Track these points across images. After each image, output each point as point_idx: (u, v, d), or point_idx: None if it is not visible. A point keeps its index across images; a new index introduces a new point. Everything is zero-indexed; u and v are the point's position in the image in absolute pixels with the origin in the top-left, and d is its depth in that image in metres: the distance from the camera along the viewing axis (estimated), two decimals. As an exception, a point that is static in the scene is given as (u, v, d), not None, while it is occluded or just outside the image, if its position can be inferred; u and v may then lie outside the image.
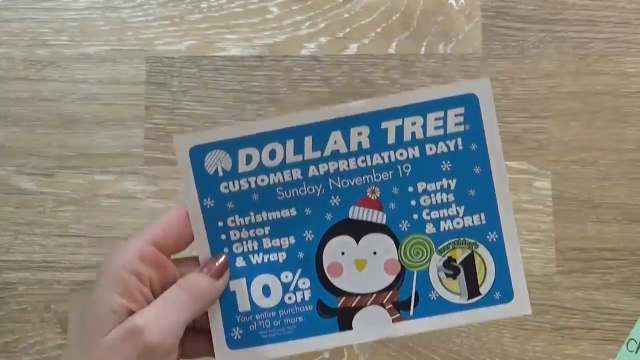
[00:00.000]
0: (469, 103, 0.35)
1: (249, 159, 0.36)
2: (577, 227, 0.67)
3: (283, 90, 0.68)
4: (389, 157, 0.36)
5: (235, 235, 0.36)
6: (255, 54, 0.69)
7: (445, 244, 0.37)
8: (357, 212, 0.36)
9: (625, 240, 0.67)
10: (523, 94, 0.68)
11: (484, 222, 0.36)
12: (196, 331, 0.37)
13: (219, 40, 0.69)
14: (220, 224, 0.36)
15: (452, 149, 0.36)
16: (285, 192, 0.36)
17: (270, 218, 0.36)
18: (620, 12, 0.70)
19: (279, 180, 0.36)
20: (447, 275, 0.37)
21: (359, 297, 0.37)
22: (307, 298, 0.37)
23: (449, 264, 0.37)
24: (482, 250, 0.36)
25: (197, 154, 0.36)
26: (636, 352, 0.65)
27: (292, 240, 0.37)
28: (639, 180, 0.68)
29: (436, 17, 0.69)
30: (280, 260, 0.37)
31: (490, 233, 0.36)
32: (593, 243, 0.67)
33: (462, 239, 0.36)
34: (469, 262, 0.36)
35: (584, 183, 0.68)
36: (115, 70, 0.69)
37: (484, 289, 0.36)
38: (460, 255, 0.37)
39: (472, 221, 0.36)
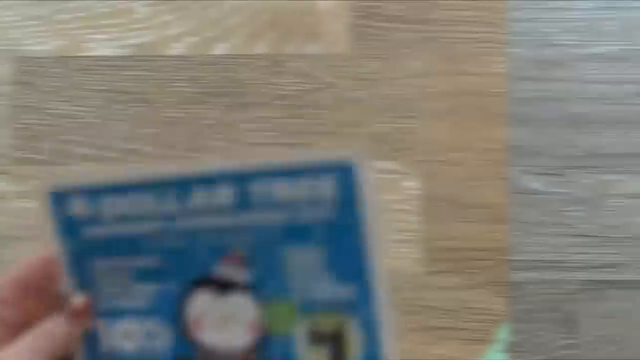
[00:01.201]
0: (344, 172, 0.33)
1: (113, 206, 0.36)
2: (446, 226, 0.67)
3: (152, 90, 0.68)
4: (258, 218, 0.34)
5: (99, 278, 0.36)
6: (125, 54, 0.69)
7: (312, 312, 0.34)
8: (222, 270, 0.35)
9: (492, 241, 0.67)
10: (392, 94, 0.68)
11: (354, 294, 0.33)
12: None
13: (87, 40, 0.69)
14: (84, 267, 0.36)
15: (325, 216, 0.34)
16: (150, 243, 0.36)
17: (134, 265, 0.36)
18: (489, 12, 0.70)
19: (143, 230, 0.36)
20: (313, 344, 0.34)
21: (219, 354, 0.36)
22: (167, 349, 0.36)
23: (315, 333, 0.34)
24: (350, 322, 0.34)
25: (60, 198, 0.36)
26: (503, 352, 0.65)
27: (156, 289, 0.36)
28: (506, 180, 0.68)
29: (306, 17, 0.69)
30: (144, 308, 0.36)
31: (360, 306, 0.33)
32: (461, 243, 0.67)
33: (330, 309, 0.34)
34: (337, 333, 0.34)
35: (452, 183, 0.68)
36: (-15, 70, 0.69)
37: None
38: (327, 325, 0.34)
39: (343, 292, 0.34)
